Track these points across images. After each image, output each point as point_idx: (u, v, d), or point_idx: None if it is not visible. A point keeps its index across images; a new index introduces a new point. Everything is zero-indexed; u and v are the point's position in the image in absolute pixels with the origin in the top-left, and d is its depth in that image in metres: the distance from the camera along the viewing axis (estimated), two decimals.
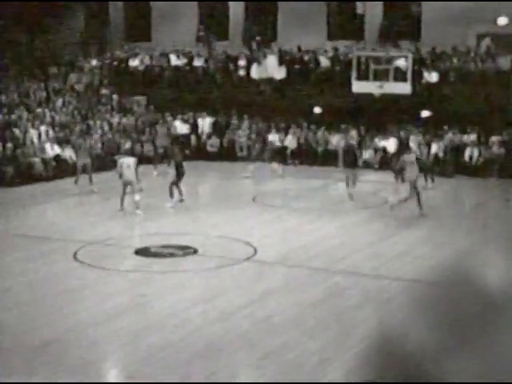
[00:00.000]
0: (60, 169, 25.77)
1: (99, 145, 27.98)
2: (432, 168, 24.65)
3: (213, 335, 11.10)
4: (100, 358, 10.47)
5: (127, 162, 20.00)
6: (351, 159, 22.05)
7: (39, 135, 27.01)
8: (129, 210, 19.72)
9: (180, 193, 20.72)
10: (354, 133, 27.63)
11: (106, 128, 29.56)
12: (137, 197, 19.78)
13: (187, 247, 16.26)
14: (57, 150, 26.32)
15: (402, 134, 27.54)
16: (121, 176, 19.90)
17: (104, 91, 32.58)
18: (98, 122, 29.70)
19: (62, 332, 11.19)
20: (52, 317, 11.86)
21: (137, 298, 12.83)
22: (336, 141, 28.92)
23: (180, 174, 20.75)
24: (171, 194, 20.47)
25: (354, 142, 24.19)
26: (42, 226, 18.46)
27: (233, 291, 13.29)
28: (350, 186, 21.65)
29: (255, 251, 15.98)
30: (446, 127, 27.45)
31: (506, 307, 1.21)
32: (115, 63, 33.87)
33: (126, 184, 19.82)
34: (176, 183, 20.74)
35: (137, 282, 13.87)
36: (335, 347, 10.72)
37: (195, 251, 16.00)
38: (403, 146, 24.04)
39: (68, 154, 26.31)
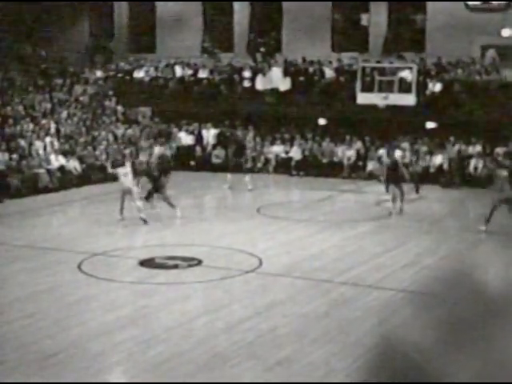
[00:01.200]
0: (65, 180, 25.80)
1: (104, 156, 28.01)
2: (417, 177, 24.76)
3: (217, 347, 11.09)
4: (104, 370, 10.45)
5: (123, 171, 20.08)
6: (397, 175, 21.70)
7: (44, 146, 27.07)
8: (131, 220, 19.69)
9: (151, 204, 20.83)
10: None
11: (111, 139, 29.60)
12: (138, 202, 19.83)
13: (192, 258, 16.25)
14: (62, 161, 26.37)
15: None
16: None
17: (109, 102, 32.64)
18: (103, 133, 29.76)
19: (66, 344, 11.19)
20: (56, 328, 11.86)
21: (141, 310, 12.82)
22: (341, 152, 28.99)
23: (158, 186, 20.88)
24: (171, 205, 20.43)
25: (399, 157, 23.64)
26: (47, 237, 18.48)
27: (237, 303, 13.27)
28: (396, 201, 21.39)
29: (260, 263, 15.97)
30: (452, 138, 27.46)
31: (507, 314, 1.21)
32: (120, 74, 33.95)
33: (125, 192, 19.91)
34: (151, 194, 20.89)
35: (141, 294, 13.85)
36: (340, 359, 10.69)
37: (200, 262, 15.99)
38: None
39: (73, 165, 26.38)
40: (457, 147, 27.32)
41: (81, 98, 32.43)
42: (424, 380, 1.19)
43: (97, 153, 28.10)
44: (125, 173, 20.03)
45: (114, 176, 21.02)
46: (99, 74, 34.26)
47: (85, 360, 10.56)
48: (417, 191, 24.23)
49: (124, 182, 19.90)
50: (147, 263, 15.93)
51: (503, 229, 19.13)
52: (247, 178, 25.27)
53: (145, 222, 19.64)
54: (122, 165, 21.06)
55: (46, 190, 24.96)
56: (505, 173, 19.35)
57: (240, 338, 11.46)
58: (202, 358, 10.63)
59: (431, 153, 27.60)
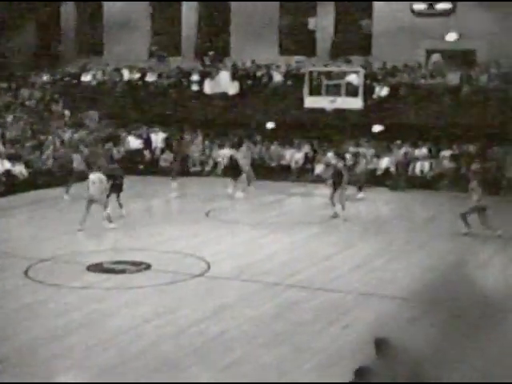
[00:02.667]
0: (11, 185, 25.42)
1: (51, 160, 27.68)
2: (362, 179, 25.09)
3: (167, 351, 11.06)
4: (53, 376, 10.32)
5: (93, 178, 19.66)
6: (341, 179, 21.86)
7: None
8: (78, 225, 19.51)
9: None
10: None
11: (58, 143, 29.27)
12: (107, 211, 19.56)
13: (140, 263, 16.16)
14: (7, 165, 25.99)
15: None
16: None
17: (56, 106, 32.30)
18: (50, 138, 29.43)
19: (14, 349, 11.06)
20: (4, 334, 11.71)
21: (90, 315, 12.71)
22: (289, 155, 29.12)
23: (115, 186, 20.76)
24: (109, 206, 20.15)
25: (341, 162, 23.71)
26: None
27: (186, 307, 13.24)
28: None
29: (209, 266, 15.95)
30: (398, 141, 27.75)
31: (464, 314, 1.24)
32: (67, 78, 33.63)
33: (90, 200, 19.52)
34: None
35: (90, 299, 13.73)
36: (291, 361, 10.74)
37: (148, 267, 15.91)
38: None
39: (19, 169, 26.03)
40: (403, 150, 27.62)
41: (27, 102, 32.04)
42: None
43: (43, 157, 27.76)
44: (93, 181, 19.52)
45: (62, 180, 20.66)
46: (46, 77, 33.90)
47: (33, 366, 10.44)
48: (359, 189, 24.51)
49: (91, 190, 19.41)
50: (95, 268, 15.80)
51: (451, 229, 19.43)
52: (174, 184, 25.13)
53: (111, 227, 19.45)
54: (93, 171, 20.42)
55: None
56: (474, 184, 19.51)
57: (189, 342, 11.45)
58: (151, 363, 10.59)
59: (378, 156, 27.88)
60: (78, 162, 25.54)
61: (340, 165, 22.69)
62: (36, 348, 11.10)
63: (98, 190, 19.46)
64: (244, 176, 25.21)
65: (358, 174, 25.49)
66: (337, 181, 21.62)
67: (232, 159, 26.31)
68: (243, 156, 26.29)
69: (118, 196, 21.12)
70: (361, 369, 7.79)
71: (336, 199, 21.46)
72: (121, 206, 21.12)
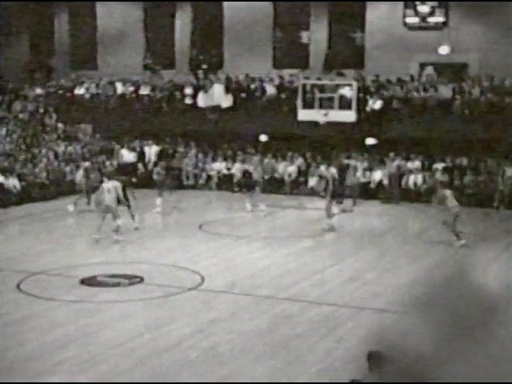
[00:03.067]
0: (4, 198, 25.38)
1: (44, 174, 27.67)
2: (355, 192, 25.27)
3: (159, 365, 11.04)
4: None
5: (107, 187, 19.50)
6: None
7: None
8: (72, 237, 19.47)
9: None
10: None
11: (52, 157, 29.28)
12: (118, 221, 19.48)
13: (134, 276, 16.15)
14: (0, 179, 25.95)
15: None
16: (99, 202, 19.51)
17: (49, 120, 32.31)
18: (43, 151, 29.43)
19: (4, 364, 11.02)
20: None
21: (82, 329, 12.68)
22: (282, 168, 29.16)
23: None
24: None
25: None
26: None
27: (179, 320, 13.23)
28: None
29: (202, 280, 15.95)
30: (391, 154, 27.81)
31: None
32: (61, 91, 33.66)
33: (104, 210, 19.35)
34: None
35: (82, 313, 13.70)
36: (284, 375, 10.73)
37: (142, 280, 15.90)
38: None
39: (12, 183, 26.00)
40: (396, 163, 27.68)
41: (20, 115, 32.05)
42: None
43: (36, 170, 27.75)
44: (108, 189, 19.39)
45: (57, 193, 20.55)
46: (39, 90, 33.91)
47: (24, 380, 10.40)
48: (353, 203, 24.69)
49: (106, 200, 19.22)
50: (88, 281, 15.77)
51: (444, 242, 19.46)
52: (158, 201, 24.95)
53: (117, 241, 19.38)
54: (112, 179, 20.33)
55: None
56: (448, 191, 19.74)
57: (182, 355, 11.43)
58: (143, 377, 10.57)
59: (371, 169, 27.95)
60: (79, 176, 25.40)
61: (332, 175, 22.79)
62: (27, 363, 11.06)
63: (113, 199, 19.37)
64: (257, 189, 25.06)
65: (350, 186, 25.57)
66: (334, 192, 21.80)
67: (246, 173, 26.22)
68: (254, 168, 26.17)
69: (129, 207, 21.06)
70: (353, 382, 7.80)
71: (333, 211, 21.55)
72: (133, 217, 21.08)
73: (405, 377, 1.28)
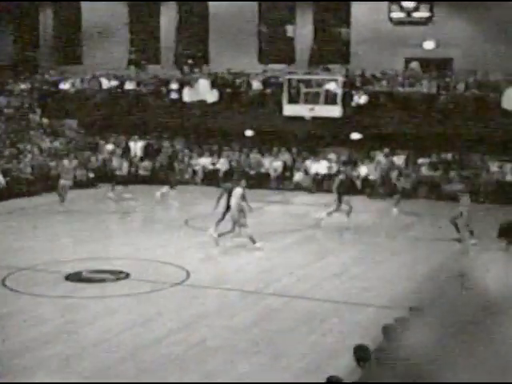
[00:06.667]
0: None
1: (29, 169, 27.55)
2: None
3: (145, 361, 11.02)
4: None
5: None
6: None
7: None
8: (57, 234, 19.40)
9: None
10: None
11: (37, 152, 29.16)
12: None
13: (119, 272, 16.11)
14: None
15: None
16: None
17: (34, 115, 32.17)
18: (28, 146, 29.31)
19: None
20: None
21: (67, 325, 12.65)
22: (268, 163, 29.16)
23: None
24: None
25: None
26: None
27: (165, 316, 13.22)
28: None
29: (188, 275, 15.94)
30: (379, 150, 27.83)
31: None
32: (45, 86, 33.51)
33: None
34: None
35: (67, 308, 13.66)
36: (269, 369, 10.74)
37: (127, 276, 15.87)
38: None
39: None
40: (382, 158, 27.72)
41: (5, 110, 31.89)
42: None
43: (21, 166, 27.62)
44: None
45: (41, 188, 20.47)
46: (24, 85, 33.74)
47: (8, 377, 10.37)
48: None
49: None
50: (74, 277, 15.73)
51: (430, 236, 19.54)
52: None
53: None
54: None
55: None
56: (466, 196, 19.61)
57: (168, 351, 11.42)
58: (129, 373, 10.56)
59: (356, 164, 27.99)
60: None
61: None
62: (11, 359, 11.02)
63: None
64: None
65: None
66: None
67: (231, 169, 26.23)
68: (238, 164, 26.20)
69: None
70: (331, 378, 7.83)
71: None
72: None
73: (391, 371, 1.28)
